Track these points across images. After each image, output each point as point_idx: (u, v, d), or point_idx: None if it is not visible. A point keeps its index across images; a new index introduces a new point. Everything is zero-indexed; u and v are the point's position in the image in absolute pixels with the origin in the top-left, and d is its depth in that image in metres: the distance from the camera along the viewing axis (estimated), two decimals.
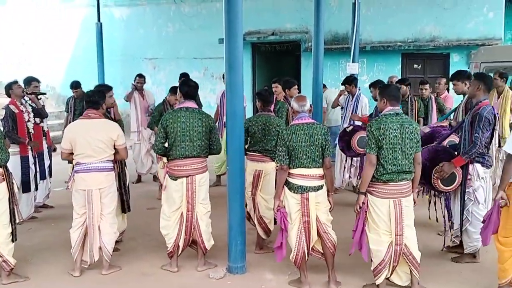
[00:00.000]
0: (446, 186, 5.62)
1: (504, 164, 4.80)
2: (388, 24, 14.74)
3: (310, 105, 5.50)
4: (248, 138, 6.22)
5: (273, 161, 5.99)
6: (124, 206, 6.39)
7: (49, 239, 6.91)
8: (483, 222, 4.98)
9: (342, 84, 9.26)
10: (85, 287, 5.48)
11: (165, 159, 6.10)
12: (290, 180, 5.18)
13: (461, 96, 6.69)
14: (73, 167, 5.72)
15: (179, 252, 5.76)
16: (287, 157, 5.14)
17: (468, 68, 10.91)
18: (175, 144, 5.58)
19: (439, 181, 5.60)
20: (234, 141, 5.53)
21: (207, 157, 5.78)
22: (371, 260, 5.11)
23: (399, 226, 4.91)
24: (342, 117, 9.28)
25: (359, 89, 9.51)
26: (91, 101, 5.66)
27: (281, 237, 5.29)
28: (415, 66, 14.96)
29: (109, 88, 6.64)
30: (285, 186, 5.22)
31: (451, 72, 14.41)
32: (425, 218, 6.55)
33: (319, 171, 5.19)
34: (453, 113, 6.88)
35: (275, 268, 5.80)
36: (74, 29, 17.92)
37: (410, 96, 8.25)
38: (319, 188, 5.19)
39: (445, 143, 6.12)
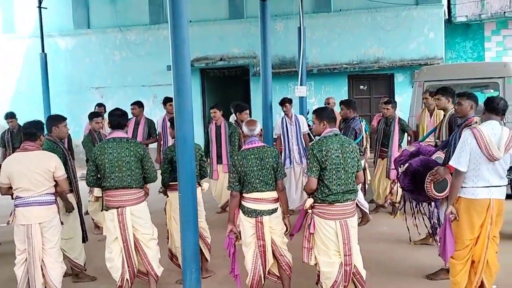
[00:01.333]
0: (438, 192, 5.55)
1: (452, 179, 4.91)
2: (333, 47, 15.07)
3: (261, 129, 5.51)
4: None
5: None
6: (84, 236, 6.32)
7: None
8: (439, 240, 5.04)
9: (280, 104, 9.26)
10: None
11: (95, 192, 5.98)
12: (244, 203, 5.17)
13: None
14: (13, 203, 5.52)
15: (129, 285, 5.63)
16: (237, 183, 5.14)
17: (412, 87, 11.23)
18: (105, 176, 5.51)
19: (432, 185, 5.50)
20: (185, 167, 5.47)
21: (142, 187, 5.69)
22: (317, 282, 5.09)
23: (347, 246, 4.89)
24: (284, 140, 9.18)
25: (308, 111, 9.66)
26: (28, 133, 5.49)
27: (232, 263, 5.25)
28: (361, 87, 15.31)
29: (63, 119, 6.46)
30: (240, 209, 5.20)
31: (396, 92, 14.91)
32: (392, 235, 6.57)
33: (273, 194, 5.19)
34: (434, 132, 6.88)
35: None
36: (17, 60, 17.56)
37: (354, 117, 8.30)
38: (273, 211, 5.19)
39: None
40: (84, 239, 6.39)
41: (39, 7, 14.88)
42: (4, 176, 5.39)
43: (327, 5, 15.62)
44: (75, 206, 6.24)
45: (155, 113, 15.42)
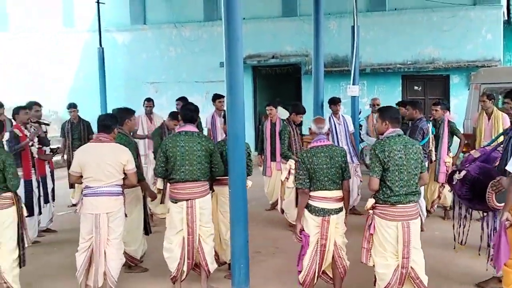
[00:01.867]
0: (500, 203, 5.31)
1: (508, 184, 4.78)
2: (387, 46, 14.88)
3: (328, 128, 5.48)
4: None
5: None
6: (147, 228, 6.49)
7: (52, 263, 6.90)
8: (493, 247, 4.92)
9: (329, 103, 9.28)
10: None
11: (158, 184, 6.10)
12: (311, 202, 5.15)
13: None
14: (81, 191, 5.72)
15: (183, 277, 5.74)
16: (307, 180, 5.12)
17: (468, 90, 10.98)
18: (175, 168, 5.60)
19: (494, 195, 5.34)
20: (235, 164, 5.54)
21: (208, 180, 5.80)
22: (375, 283, 5.08)
23: (406, 249, 4.84)
24: (333, 139, 9.15)
25: (360, 111, 9.61)
26: (103, 125, 5.67)
27: (301, 259, 5.25)
28: (416, 87, 15.06)
29: (133, 112, 6.65)
30: (305, 208, 5.19)
31: (451, 94, 14.61)
32: (443, 239, 6.45)
33: (339, 193, 5.18)
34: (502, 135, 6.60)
35: None
36: (76, 54, 18.10)
37: (420, 118, 8.18)
38: (340, 210, 5.19)
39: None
40: (148, 231, 6.57)
41: (98, 2, 15.30)
42: (77, 164, 5.56)
43: (382, 4, 15.43)
44: (141, 199, 6.42)
45: (207, 109, 15.52)
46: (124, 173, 5.62)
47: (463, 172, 5.62)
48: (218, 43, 13.83)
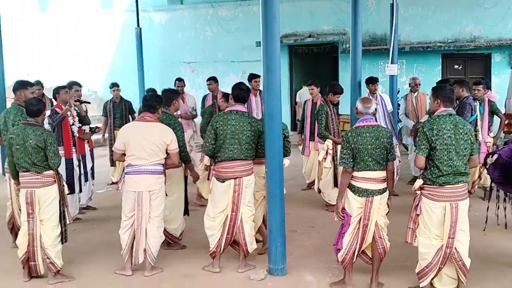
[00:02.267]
0: None
1: None
2: (427, 24, 14.57)
3: (375, 109, 5.45)
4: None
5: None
6: (187, 208, 6.63)
7: (93, 240, 7.07)
8: None
9: (366, 82, 9.20)
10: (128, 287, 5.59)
11: (205, 161, 6.15)
12: (354, 183, 5.11)
13: None
14: (123, 169, 5.83)
15: (221, 252, 5.82)
16: (351, 159, 5.07)
17: (510, 69, 10.71)
18: (224, 146, 5.65)
19: None
20: (272, 143, 5.54)
21: (253, 160, 5.83)
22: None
23: (453, 229, 4.81)
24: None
25: (398, 90, 9.49)
26: (149, 105, 5.76)
27: (340, 239, 5.24)
28: (456, 66, 14.73)
29: (178, 94, 6.74)
30: (347, 188, 5.16)
31: (492, 73, 14.25)
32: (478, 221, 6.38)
33: (383, 174, 5.14)
34: None
35: (316, 270, 5.81)
36: (114, 34, 18.28)
37: (467, 96, 8.05)
38: (383, 191, 5.15)
39: None
40: (187, 212, 6.68)
41: None
42: (121, 142, 5.66)
43: None
44: (183, 179, 6.51)
45: None
46: (167, 153, 5.70)
47: (495, 156, 5.52)
48: (254, 22, 13.75)
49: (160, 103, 5.86)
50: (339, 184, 5.29)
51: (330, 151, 7.99)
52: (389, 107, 9.21)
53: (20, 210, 6.06)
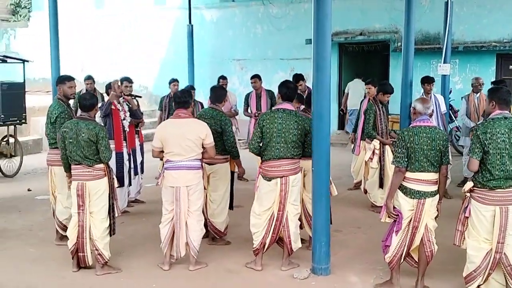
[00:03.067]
0: None
1: None
2: (482, 23, 14.17)
3: (432, 110, 5.34)
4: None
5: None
6: (232, 203, 6.70)
7: (140, 233, 7.21)
8: None
9: (422, 82, 9.04)
10: (173, 281, 5.67)
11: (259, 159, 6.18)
12: (406, 184, 5.03)
13: None
14: (163, 165, 5.94)
15: (265, 249, 5.83)
16: (406, 158, 4.99)
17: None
18: (270, 145, 5.66)
19: None
20: (320, 143, 5.51)
21: (300, 158, 5.82)
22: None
23: (503, 234, 4.70)
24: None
25: (450, 90, 9.28)
26: (181, 101, 5.85)
27: (391, 236, 5.19)
28: (511, 67, 14.27)
29: (226, 91, 6.86)
30: (398, 190, 5.09)
31: None
32: None
33: (436, 176, 5.05)
34: None
35: (360, 271, 5.76)
36: (167, 30, 18.52)
37: None
38: (435, 193, 5.07)
39: None
40: (232, 207, 6.74)
41: None
42: (158, 140, 5.79)
43: None
44: (229, 174, 6.58)
45: None
46: (203, 147, 5.76)
47: None
48: (304, 20, 13.68)
49: (191, 98, 5.94)
50: (389, 184, 5.21)
51: (377, 151, 7.89)
52: (443, 108, 9.02)
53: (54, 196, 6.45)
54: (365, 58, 16.93)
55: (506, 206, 4.70)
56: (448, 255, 5.63)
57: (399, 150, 5.02)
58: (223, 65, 17.31)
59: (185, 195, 5.72)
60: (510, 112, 4.91)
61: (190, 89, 10.33)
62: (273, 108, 6.03)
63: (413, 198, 5.01)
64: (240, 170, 6.59)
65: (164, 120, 10.46)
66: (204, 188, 6.08)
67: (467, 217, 4.89)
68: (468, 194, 4.89)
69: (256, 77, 10.10)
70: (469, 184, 4.86)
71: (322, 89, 5.47)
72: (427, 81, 9.01)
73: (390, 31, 15.32)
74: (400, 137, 5.08)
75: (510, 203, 4.71)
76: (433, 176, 5.03)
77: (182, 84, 13.80)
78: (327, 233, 5.62)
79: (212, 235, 6.62)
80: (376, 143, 7.92)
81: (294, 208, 5.79)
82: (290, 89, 5.92)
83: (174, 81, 10.65)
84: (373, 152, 7.95)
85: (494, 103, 4.84)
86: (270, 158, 5.67)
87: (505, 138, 4.64)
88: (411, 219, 5.05)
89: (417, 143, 4.95)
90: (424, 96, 8.86)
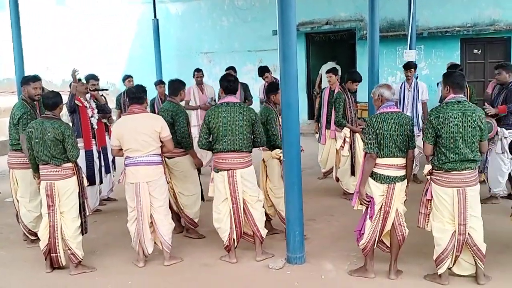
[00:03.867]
0: None
1: None
2: (445, 8, 14.35)
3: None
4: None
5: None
6: (202, 194, 6.72)
7: (113, 231, 7.15)
8: None
9: (404, 68, 9.05)
10: (148, 277, 5.65)
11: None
12: (376, 170, 5.10)
13: None
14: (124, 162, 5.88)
15: (235, 245, 5.86)
16: (376, 145, 5.05)
17: None
18: (218, 139, 5.69)
19: None
20: (289, 132, 5.54)
21: (251, 151, 5.84)
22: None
23: (462, 215, 4.83)
24: (400, 104, 8.94)
25: (417, 76, 9.35)
26: (135, 97, 5.79)
27: (363, 223, 5.26)
28: (475, 51, 14.50)
29: (184, 84, 6.79)
30: (369, 176, 5.15)
31: None
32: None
33: (403, 161, 5.13)
34: None
35: (335, 258, 5.81)
36: (132, 25, 18.34)
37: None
38: (404, 178, 5.16)
39: None
40: (203, 197, 6.73)
41: None
42: (114, 138, 5.75)
43: None
44: (193, 164, 6.60)
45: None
46: (161, 141, 5.73)
47: None
48: (270, 11, 13.64)
49: (145, 93, 5.90)
50: (361, 170, 5.26)
51: (348, 139, 7.97)
52: (425, 96, 9.00)
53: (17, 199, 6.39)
54: (332, 47, 17.02)
55: (463, 187, 4.81)
56: (419, 239, 5.72)
57: (369, 136, 5.08)
58: (191, 58, 17.23)
59: (146, 191, 5.67)
60: (465, 96, 5.01)
61: (159, 83, 10.28)
62: (217, 102, 6.04)
63: (383, 183, 5.08)
64: (196, 161, 6.59)
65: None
66: (168, 182, 6.05)
67: (429, 200, 5.02)
68: (428, 177, 5.01)
69: (230, 69, 10.08)
70: (427, 167, 5.00)
71: (289, 79, 5.48)
72: (406, 67, 9.01)
73: (356, 19, 15.43)
74: (369, 124, 5.13)
75: (467, 185, 4.83)
76: (402, 161, 5.11)
77: (150, 79, 13.74)
78: (301, 223, 5.65)
79: (187, 226, 6.63)
80: (346, 131, 7.99)
81: (253, 197, 5.81)
82: (231, 81, 5.93)
83: (128, 77, 10.59)
84: (344, 140, 8.02)
85: (448, 87, 4.94)
86: (220, 151, 5.71)
87: (458, 122, 4.74)
88: (382, 205, 5.12)
89: (385, 129, 5.01)
90: (406, 83, 8.93)
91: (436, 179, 4.92)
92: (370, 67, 9.27)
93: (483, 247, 4.93)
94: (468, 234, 4.88)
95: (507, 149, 7.14)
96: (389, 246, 5.32)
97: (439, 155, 4.84)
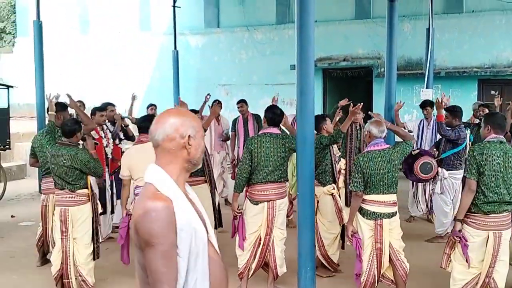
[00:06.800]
0: (424, 174, 6.56)
1: None
2: (463, 49, 14.44)
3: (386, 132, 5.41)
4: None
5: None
6: (216, 223, 6.61)
7: None
8: None
9: (420, 107, 9.03)
10: None
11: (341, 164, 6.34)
12: (364, 206, 5.13)
13: None
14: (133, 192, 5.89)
15: (250, 274, 5.81)
16: (362, 184, 5.09)
17: None
18: (258, 169, 5.68)
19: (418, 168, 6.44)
20: (304, 167, 5.53)
21: (287, 181, 5.84)
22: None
23: (494, 258, 4.72)
24: (418, 141, 8.87)
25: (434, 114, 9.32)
26: (143, 126, 5.82)
27: (359, 264, 5.23)
28: (492, 92, 14.50)
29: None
30: (357, 212, 5.18)
31: None
32: None
33: (394, 198, 5.14)
34: None
35: None
36: (152, 56, 18.62)
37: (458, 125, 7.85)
38: (393, 214, 5.14)
39: None
40: (216, 226, 6.68)
41: (174, 6, 15.69)
42: (125, 168, 5.79)
43: (458, 6, 14.99)
44: (209, 194, 6.53)
45: None
46: None
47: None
48: (288, 45, 13.78)
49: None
50: (350, 208, 5.30)
51: (343, 171, 8.02)
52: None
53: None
54: (349, 84, 17.12)
55: (499, 231, 4.71)
56: (431, 280, 5.65)
57: (356, 175, 5.13)
58: (209, 90, 17.18)
59: None
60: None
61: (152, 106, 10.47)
62: (259, 132, 6.06)
63: (370, 219, 5.09)
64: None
65: None
66: None
67: (455, 242, 4.87)
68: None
69: (242, 102, 10.17)
70: (458, 225, 4.81)
71: (306, 113, 5.51)
72: (422, 105, 8.95)
73: (373, 57, 15.55)
74: (356, 163, 5.19)
75: (503, 228, 4.73)
76: (390, 197, 5.11)
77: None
78: (312, 258, 5.61)
79: None
80: (341, 163, 8.05)
81: (280, 233, 5.80)
82: (276, 114, 5.97)
83: (151, 105, 10.74)
84: (339, 171, 8.11)
85: (489, 127, 4.87)
86: (258, 182, 5.69)
87: (500, 161, 4.66)
88: (372, 241, 5.10)
89: (372, 168, 5.04)
90: (425, 120, 8.89)
91: (472, 221, 4.76)
92: (386, 105, 9.29)
93: None
94: (492, 277, 4.78)
95: (449, 190, 7.42)
96: (393, 280, 5.28)
97: (478, 194, 4.70)
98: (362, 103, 6.26)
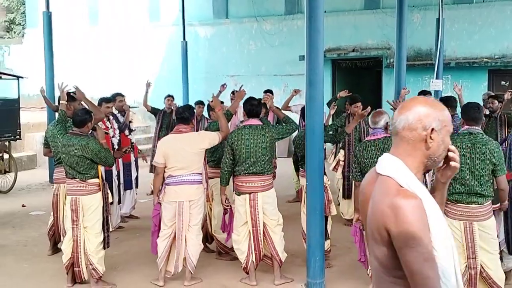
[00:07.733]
0: None
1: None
2: (473, 40, 14.35)
3: (387, 122, 5.41)
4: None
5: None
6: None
7: (135, 248, 7.20)
8: None
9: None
10: None
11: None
12: None
13: None
14: (164, 181, 5.91)
15: (254, 267, 5.85)
16: (359, 173, 5.16)
17: None
18: (240, 161, 5.73)
19: None
20: (313, 157, 5.55)
21: (272, 174, 5.90)
22: None
23: (471, 250, 4.72)
24: None
25: None
26: (182, 117, 5.90)
27: (359, 249, 5.32)
28: (503, 82, 14.43)
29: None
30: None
31: None
32: None
33: None
34: None
35: (355, 285, 5.77)
36: (161, 47, 18.63)
37: (499, 113, 7.84)
38: None
39: None
40: None
41: None
42: (161, 156, 5.81)
43: None
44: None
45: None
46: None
47: None
48: (297, 36, 13.80)
49: (192, 114, 6.02)
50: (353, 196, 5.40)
51: (342, 162, 8.11)
52: None
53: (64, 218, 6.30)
54: (358, 74, 17.07)
55: (470, 221, 4.71)
56: None
57: (354, 165, 5.31)
58: (218, 81, 17.30)
59: (187, 210, 5.74)
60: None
61: (198, 103, 10.19)
62: (240, 125, 6.10)
63: None
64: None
65: (156, 133, 10.35)
66: (209, 202, 6.17)
67: None
68: None
69: (268, 92, 10.02)
70: None
71: (314, 104, 5.52)
72: (423, 94, 8.90)
73: (383, 47, 15.49)
74: (354, 154, 5.33)
75: (475, 219, 4.71)
76: None
77: (178, 100, 13.89)
78: (322, 248, 5.63)
79: (218, 249, 6.66)
80: (341, 154, 8.10)
81: (273, 220, 5.82)
82: (254, 105, 5.95)
83: (168, 96, 10.64)
84: (338, 162, 8.19)
85: (462, 119, 4.95)
86: (241, 174, 5.75)
87: (466, 152, 4.66)
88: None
89: (366, 157, 5.13)
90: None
91: (446, 210, 4.77)
92: (396, 95, 9.27)
93: (501, 281, 4.83)
94: (482, 267, 4.76)
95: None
96: None
97: (448, 185, 4.74)
98: (369, 107, 6.25)
